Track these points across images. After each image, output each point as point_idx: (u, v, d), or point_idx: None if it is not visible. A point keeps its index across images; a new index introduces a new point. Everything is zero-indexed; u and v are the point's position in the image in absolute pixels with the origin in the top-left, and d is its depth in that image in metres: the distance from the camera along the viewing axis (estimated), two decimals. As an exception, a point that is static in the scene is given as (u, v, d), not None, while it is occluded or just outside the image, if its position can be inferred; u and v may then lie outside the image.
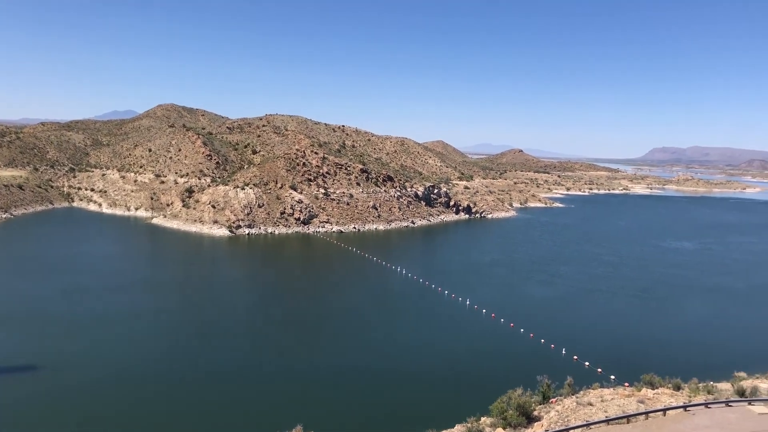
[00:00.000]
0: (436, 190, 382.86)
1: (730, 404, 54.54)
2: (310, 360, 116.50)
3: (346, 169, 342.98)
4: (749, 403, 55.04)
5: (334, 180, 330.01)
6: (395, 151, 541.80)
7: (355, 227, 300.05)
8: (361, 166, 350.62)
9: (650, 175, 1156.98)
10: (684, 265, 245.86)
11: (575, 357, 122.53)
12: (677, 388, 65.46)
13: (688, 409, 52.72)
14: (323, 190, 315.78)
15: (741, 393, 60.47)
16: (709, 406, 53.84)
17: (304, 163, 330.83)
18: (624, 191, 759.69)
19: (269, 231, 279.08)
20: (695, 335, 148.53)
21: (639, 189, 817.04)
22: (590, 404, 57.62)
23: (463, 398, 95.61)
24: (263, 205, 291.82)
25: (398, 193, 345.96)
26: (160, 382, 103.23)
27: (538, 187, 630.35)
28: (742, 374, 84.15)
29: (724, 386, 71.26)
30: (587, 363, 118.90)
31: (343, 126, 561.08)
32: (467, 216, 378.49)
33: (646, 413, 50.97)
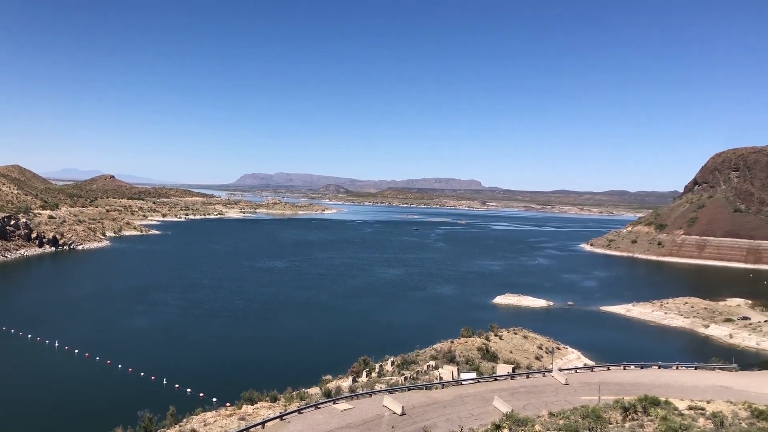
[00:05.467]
0: (13, 222, 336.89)
1: (319, 406, 60.11)
2: None
3: None
4: (334, 402, 61.57)
5: None
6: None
7: None
8: None
9: (243, 199, 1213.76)
10: (277, 283, 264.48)
11: (177, 385, 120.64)
12: (274, 399, 69.67)
13: (284, 417, 56.32)
14: None
15: (327, 394, 67.39)
16: (301, 411, 58.44)
17: None
18: (219, 216, 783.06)
19: None
20: (290, 347, 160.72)
21: (233, 213, 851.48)
22: (194, 430, 57.39)
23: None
24: None
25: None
26: None
27: (132, 214, 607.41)
28: (328, 377, 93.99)
29: (314, 390, 78.55)
30: (189, 389, 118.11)
31: None
32: (54, 248, 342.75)
33: (247, 429, 52.81)
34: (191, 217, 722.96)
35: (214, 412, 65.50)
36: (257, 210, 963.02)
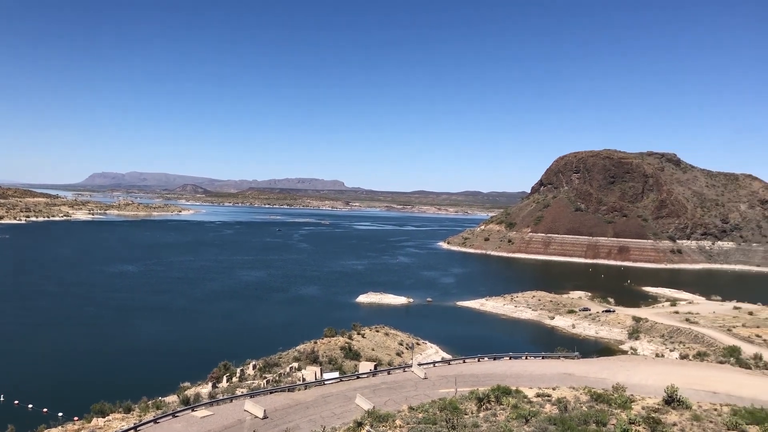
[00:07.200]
0: None
1: (176, 415, 57.80)
2: None
3: None
4: (193, 410, 59.49)
5: None
6: None
7: None
8: None
9: (92, 200, 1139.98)
10: (130, 288, 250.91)
11: (16, 401, 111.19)
12: (128, 410, 66.16)
13: (138, 428, 53.67)
14: None
15: (186, 402, 65.04)
16: (158, 421, 55.94)
17: None
18: (65, 218, 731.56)
19: None
20: (145, 355, 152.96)
21: (81, 215, 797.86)
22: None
23: None
24: None
25: None
26: None
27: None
28: (187, 384, 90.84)
29: (172, 398, 75.55)
30: (31, 405, 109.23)
31: None
32: None
33: (97, 444, 49.82)
34: (33, 219, 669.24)
35: (59, 427, 61.22)
36: (108, 211, 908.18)
